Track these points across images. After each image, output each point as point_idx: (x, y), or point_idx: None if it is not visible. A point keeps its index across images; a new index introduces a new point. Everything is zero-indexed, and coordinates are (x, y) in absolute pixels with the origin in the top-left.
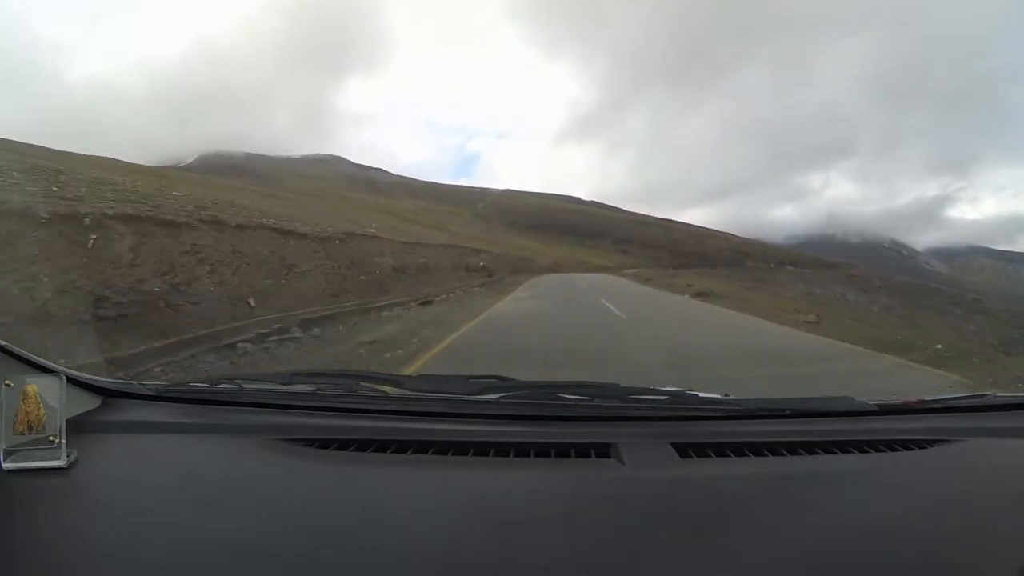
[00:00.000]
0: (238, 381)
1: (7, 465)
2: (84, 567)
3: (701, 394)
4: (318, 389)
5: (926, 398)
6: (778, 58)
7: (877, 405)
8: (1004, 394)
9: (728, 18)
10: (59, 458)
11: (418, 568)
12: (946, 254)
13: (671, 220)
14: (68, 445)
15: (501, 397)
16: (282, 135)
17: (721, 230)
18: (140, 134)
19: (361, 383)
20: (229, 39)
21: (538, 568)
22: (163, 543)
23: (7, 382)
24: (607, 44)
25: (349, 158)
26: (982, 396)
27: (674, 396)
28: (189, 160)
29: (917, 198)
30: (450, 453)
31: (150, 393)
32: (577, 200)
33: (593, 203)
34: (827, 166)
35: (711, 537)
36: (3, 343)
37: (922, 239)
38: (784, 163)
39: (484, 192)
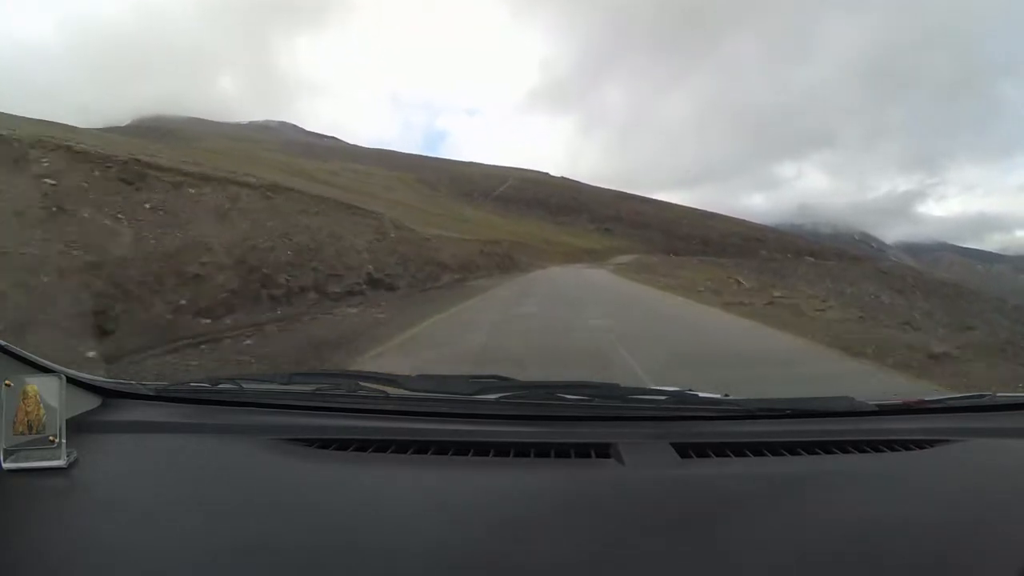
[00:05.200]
0: (238, 381)
1: (7, 465)
2: (84, 567)
3: (701, 394)
4: (318, 389)
5: (926, 398)
6: (769, 34)
7: (877, 405)
8: (1004, 394)
9: None
10: (59, 458)
11: (418, 568)
12: (915, 249)
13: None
14: (68, 445)
15: (501, 397)
16: (234, 102)
17: (721, 213)
18: (74, 96)
19: (361, 383)
20: None
21: (538, 568)
22: (163, 543)
23: (7, 382)
24: (586, 8)
25: (305, 127)
26: (982, 396)
27: (674, 396)
28: (126, 123)
29: (889, 193)
30: (450, 453)
31: (150, 393)
32: (546, 175)
33: (563, 179)
34: (803, 156)
35: (711, 537)
36: (3, 343)
37: (891, 233)
38: (761, 150)
39: (440, 161)
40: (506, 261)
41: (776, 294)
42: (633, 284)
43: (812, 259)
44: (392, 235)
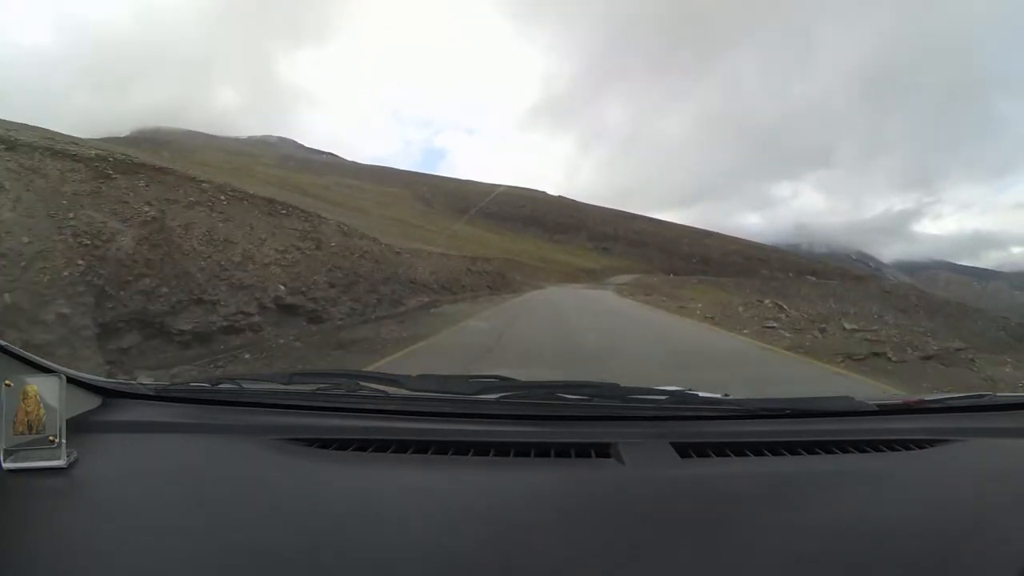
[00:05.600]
0: (238, 381)
1: (7, 465)
2: (84, 567)
3: (701, 394)
4: (318, 389)
5: (926, 398)
6: (766, 54)
7: (877, 405)
8: (1004, 394)
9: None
10: (59, 458)
11: (418, 568)
12: (911, 267)
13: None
14: (68, 445)
15: (501, 397)
16: (236, 116)
17: (717, 231)
18: (77, 108)
19: (361, 383)
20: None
21: (538, 568)
22: (163, 543)
23: (7, 382)
24: (586, 27)
25: (304, 143)
26: (982, 396)
27: (674, 396)
28: (125, 134)
29: (885, 212)
30: (450, 453)
31: (150, 393)
32: (543, 194)
33: (560, 198)
34: (799, 175)
35: (711, 537)
36: (3, 343)
37: (887, 252)
38: (757, 169)
39: (436, 178)
40: (497, 280)
41: (848, 325)
42: (655, 311)
43: (814, 278)
44: (332, 244)
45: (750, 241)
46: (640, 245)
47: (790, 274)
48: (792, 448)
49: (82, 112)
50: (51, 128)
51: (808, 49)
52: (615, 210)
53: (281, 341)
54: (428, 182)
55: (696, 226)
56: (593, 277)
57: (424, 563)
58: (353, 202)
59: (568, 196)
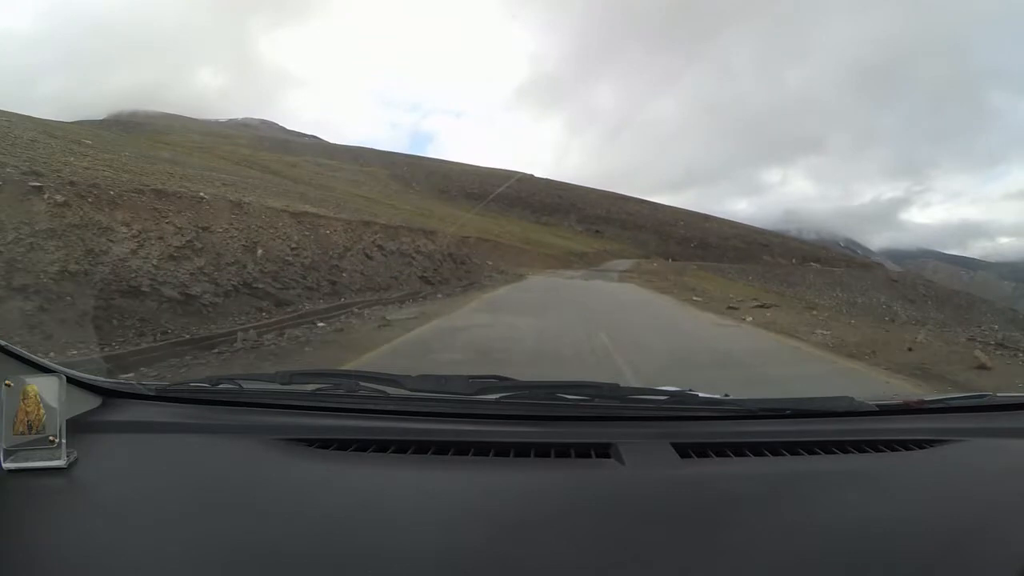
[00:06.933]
0: (238, 381)
1: (7, 465)
2: (84, 567)
3: (701, 394)
4: (318, 389)
5: (926, 398)
6: (758, 40)
7: (877, 405)
8: (1004, 394)
9: None
10: (59, 458)
11: (418, 568)
12: (899, 255)
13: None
14: (68, 445)
15: (501, 397)
16: (218, 99)
17: (718, 215)
18: (55, 91)
19: (361, 383)
20: None
21: (538, 568)
22: (163, 543)
23: (7, 382)
24: (577, 6)
25: (286, 126)
26: (982, 396)
27: (674, 396)
28: (102, 117)
29: (874, 199)
30: (450, 453)
31: (150, 393)
32: (530, 177)
33: (548, 180)
34: (789, 161)
35: (711, 537)
36: (3, 343)
37: (876, 239)
38: (747, 155)
39: (416, 158)
40: (443, 268)
41: None
42: (758, 335)
43: (818, 265)
44: None
45: (750, 225)
46: (634, 228)
47: (793, 260)
48: (792, 448)
49: (62, 97)
50: (26, 113)
51: (802, 36)
52: (606, 191)
53: None
54: (407, 162)
55: (688, 209)
56: (587, 262)
57: (424, 563)
58: (321, 180)
59: (556, 179)
